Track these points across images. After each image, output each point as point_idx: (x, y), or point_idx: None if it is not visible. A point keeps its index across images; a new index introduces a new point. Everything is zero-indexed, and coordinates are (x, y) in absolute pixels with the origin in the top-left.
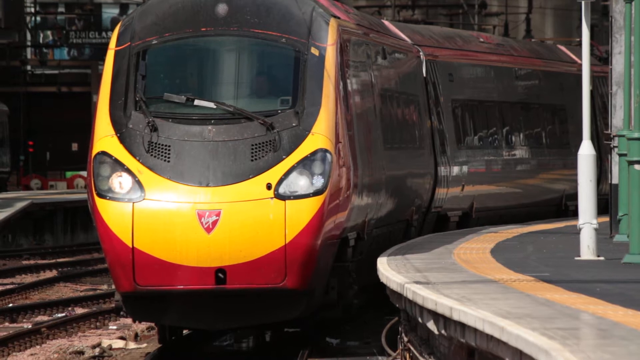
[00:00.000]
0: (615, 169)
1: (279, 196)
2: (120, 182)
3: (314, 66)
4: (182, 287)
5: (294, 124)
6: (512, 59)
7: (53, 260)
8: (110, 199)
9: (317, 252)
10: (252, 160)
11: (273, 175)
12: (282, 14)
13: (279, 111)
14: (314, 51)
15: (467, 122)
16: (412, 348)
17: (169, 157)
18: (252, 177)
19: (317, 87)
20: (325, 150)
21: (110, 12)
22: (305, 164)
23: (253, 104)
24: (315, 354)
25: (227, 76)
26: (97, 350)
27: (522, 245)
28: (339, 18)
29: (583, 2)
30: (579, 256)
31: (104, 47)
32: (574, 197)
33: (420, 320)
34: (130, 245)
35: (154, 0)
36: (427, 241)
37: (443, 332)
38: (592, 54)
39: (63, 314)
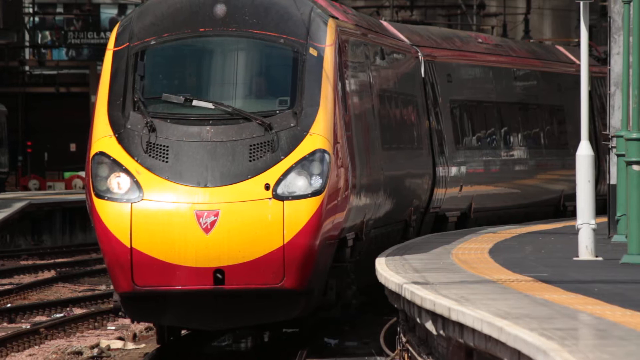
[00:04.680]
0: (613, 170)
1: (277, 196)
2: (118, 183)
3: (313, 67)
4: (180, 287)
5: (292, 125)
6: (510, 59)
7: (51, 261)
8: (109, 199)
9: (315, 252)
10: (250, 161)
11: (271, 175)
12: (280, 15)
13: (277, 112)
14: (313, 52)
15: (466, 122)
16: (410, 348)
17: (167, 158)
18: (250, 178)
19: (315, 88)
20: (324, 151)
21: (108, 12)
22: (303, 164)
23: (251, 105)
24: (314, 354)
25: (225, 77)
26: (95, 350)
27: (521, 245)
28: (337, 18)
29: (582, 3)
30: (578, 256)
31: (103, 47)
32: (572, 197)
33: (418, 320)
34: (129, 246)
35: (152, 0)
36: (425, 241)
37: (441, 332)
38: (590, 54)
39: (61, 315)
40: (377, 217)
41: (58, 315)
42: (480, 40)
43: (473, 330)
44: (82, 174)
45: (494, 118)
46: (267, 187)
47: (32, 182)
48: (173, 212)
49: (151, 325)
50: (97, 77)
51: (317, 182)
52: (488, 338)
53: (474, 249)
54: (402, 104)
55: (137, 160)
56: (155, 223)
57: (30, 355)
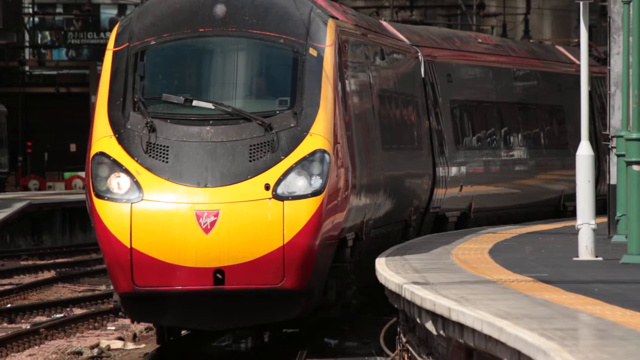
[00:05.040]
0: (613, 170)
1: (277, 197)
2: (118, 183)
3: (312, 67)
4: (180, 287)
5: (292, 125)
6: (510, 59)
7: (51, 261)
8: (109, 199)
9: (315, 252)
10: (250, 161)
11: (271, 175)
12: (280, 15)
13: (277, 112)
14: (312, 52)
15: (466, 122)
16: (410, 348)
17: (167, 158)
18: (250, 178)
19: (315, 88)
20: (324, 151)
21: (108, 12)
22: (303, 164)
23: (251, 105)
24: (314, 354)
25: (225, 77)
26: (95, 350)
27: (521, 245)
28: (337, 19)
29: (581, 3)
30: (578, 256)
31: (103, 47)
32: (572, 197)
33: (418, 320)
34: (129, 246)
35: (152, 1)
36: (425, 242)
37: (441, 332)
38: (590, 54)
39: (61, 315)
40: (377, 217)
41: (58, 316)
42: (480, 40)
43: (473, 331)
44: (82, 174)
45: (494, 118)
46: (267, 187)
47: (32, 183)
48: (173, 212)
49: (151, 325)
50: (97, 77)
51: (317, 182)
52: (488, 338)
53: (474, 249)
54: (402, 104)
55: (137, 161)
56: (155, 223)
57: (30, 355)
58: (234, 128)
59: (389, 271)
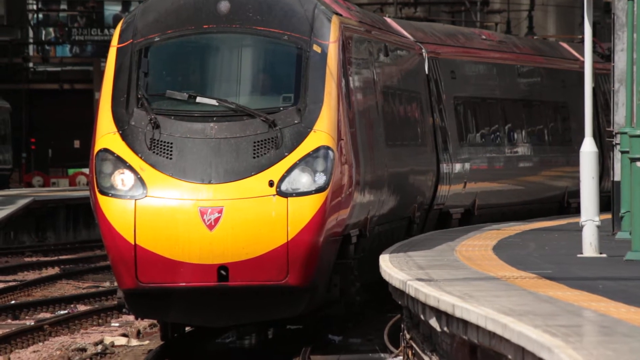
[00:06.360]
0: (617, 166)
1: (281, 193)
2: (122, 179)
3: (316, 63)
4: (184, 284)
5: (296, 121)
6: (514, 56)
7: (55, 258)
8: (113, 196)
9: (319, 249)
10: (254, 158)
11: (275, 172)
12: (284, 11)
13: (281, 108)
14: (316, 48)
15: (469, 119)
16: (414, 345)
17: (171, 155)
18: (254, 175)
19: (319, 85)
20: (328, 148)
21: (112, 9)
22: (307, 161)
23: (255, 101)
24: (318, 351)
25: (229, 73)
26: (99, 347)
27: (525, 242)
28: (341, 15)
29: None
30: (582, 253)
31: (106, 44)
32: (576, 194)
33: (422, 317)
34: (133, 242)
35: None
36: (429, 238)
37: (445, 329)
38: (594, 51)
39: (65, 311)
40: (381, 213)
41: (62, 312)
42: (484, 37)
43: (477, 327)
44: (86, 170)
45: (497, 115)
46: (271, 183)
47: (36, 179)
48: (177, 208)
49: (155, 322)
50: (101, 73)
51: (321, 178)
52: (492, 335)
53: (477, 246)
54: (405, 100)
55: (141, 157)
56: (159, 220)
57: (34, 351)
58: (237, 124)
59: (393, 268)
